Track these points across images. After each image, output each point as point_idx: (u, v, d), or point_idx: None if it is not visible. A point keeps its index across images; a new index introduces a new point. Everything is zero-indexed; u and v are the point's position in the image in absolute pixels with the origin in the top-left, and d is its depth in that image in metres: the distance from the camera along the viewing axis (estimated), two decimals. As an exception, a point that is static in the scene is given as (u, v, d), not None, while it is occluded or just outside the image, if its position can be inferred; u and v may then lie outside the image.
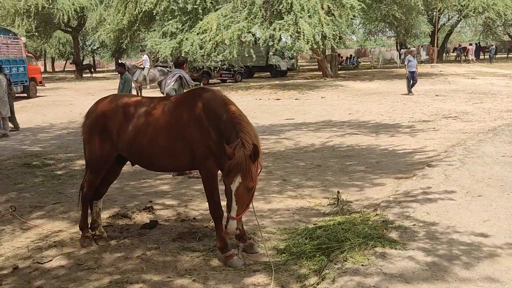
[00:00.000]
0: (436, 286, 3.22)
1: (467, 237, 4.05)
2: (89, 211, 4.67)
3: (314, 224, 4.69)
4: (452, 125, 10.96)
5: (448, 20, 44.29)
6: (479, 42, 46.15)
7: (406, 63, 18.29)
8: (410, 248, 3.81)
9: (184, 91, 7.78)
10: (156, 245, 4.43)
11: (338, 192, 5.38)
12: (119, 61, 15.72)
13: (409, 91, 18.00)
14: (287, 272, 3.76)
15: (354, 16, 22.11)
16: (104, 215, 5.27)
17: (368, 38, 51.84)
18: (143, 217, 5.35)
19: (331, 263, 3.65)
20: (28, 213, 5.62)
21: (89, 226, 4.63)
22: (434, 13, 37.93)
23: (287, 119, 13.24)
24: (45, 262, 4.11)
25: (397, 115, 13.15)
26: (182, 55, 19.83)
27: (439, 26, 39.93)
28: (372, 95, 18.51)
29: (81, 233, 4.59)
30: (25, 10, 30.16)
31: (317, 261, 3.76)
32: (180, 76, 7.81)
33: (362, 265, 3.53)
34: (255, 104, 17.10)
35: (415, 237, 4.06)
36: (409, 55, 18.46)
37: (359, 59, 45.69)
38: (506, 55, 46.44)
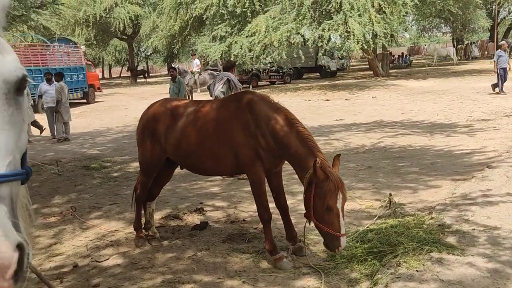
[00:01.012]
0: (499, 295, 3.03)
1: (533, 243, 3.78)
2: (142, 212, 4.83)
3: (365, 227, 4.57)
4: (514, 124, 10.32)
5: (509, 13, 41.79)
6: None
7: (495, 59, 16.44)
8: (470, 254, 3.61)
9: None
10: (207, 246, 4.50)
11: (390, 194, 5.20)
12: (172, 65, 16.07)
13: (501, 90, 16.01)
14: (338, 275, 3.68)
15: (406, 12, 21.42)
16: (157, 216, 5.42)
17: (422, 35, 49.91)
18: (194, 219, 5.45)
19: (383, 267, 3.53)
20: (87, 213, 5.91)
21: (143, 226, 4.78)
22: (494, 7, 35.89)
23: (337, 120, 13.04)
24: (102, 261, 4.29)
25: (454, 114, 12.56)
26: (231, 58, 20.08)
27: (498, 20, 37.73)
28: (426, 94, 17.81)
29: (135, 233, 4.76)
30: (84, 20, 31.89)
31: (369, 265, 3.66)
32: (228, 79, 7.92)
33: (417, 270, 3.38)
34: (304, 105, 16.99)
35: (474, 242, 3.84)
36: (499, 50, 16.54)
37: (411, 57, 44.13)
38: None
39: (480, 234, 4.02)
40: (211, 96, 8.30)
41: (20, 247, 0.98)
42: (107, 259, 4.33)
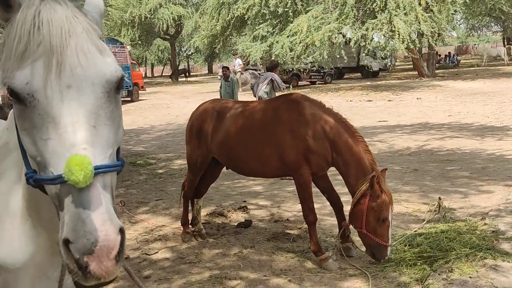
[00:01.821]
0: (560, 306, 2.89)
1: None
2: (189, 208, 4.94)
3: (413, 231, 4.47)
4: None
5: None
6: None
7: None
8: (527, 263, 3.47)
9: (276, 94, 7.91)
10: (252, 244, 4.55)
11: (440, 198, 5.05)
12: (223, 65, 16.18)
13: None
14: (386, 279, 3.63)
15: (455, 11, 20.72)
16: (202, 213, 5.52)
17: (471, 34, 48.02)
18: (238, 216, 5.52)
19: (434, 272, 3.45)
20: (135, 208, 6.10)
21: (190, 222, 4.89)
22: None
23: (379, 121, 12.79)
24: (152, 254, 4.43)
25: (506, 117, 12.02)
26: (273, 58, 20.11)
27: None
28: (476, 95, 17.15)
29: (182, 228, 4.87)
30: (130, 21, 32.88)
31: (419, 269, 3.58)
32: (271, 79, 7.95)
33: (470, 277, 3.28)
34: (345, 105, 16.77)
35: (532, 251, 3.68)
36: None
37: (459, 57, 42.52)
38: None
39: (537, 242, 3.85)
40: (254, 96, 8.36)
41: (121, 231, 1.06)
42: (156, 253, 4.46)
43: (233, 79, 11.68)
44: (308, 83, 28.33)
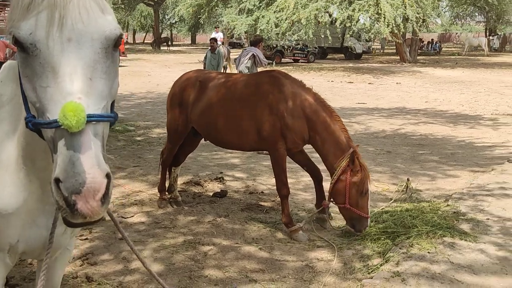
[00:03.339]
0: (505, 280, 3.14)
1: (546, 237, 3.86)
2: (167, 176, 5.03)
3: (380, 209, 4.69)
4: (541, 121, 10.17)
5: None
6: None
7: None
8: (481, 241, 3.72)
9: (258, 69, 7.95)
10: (226, 213, 4.69)
11: (408, 180, 5.28)
12: (212, 36, 15.87)
13: None
14: (350, 250, 3.84)
15: (440, -2, 20.86)
16: (179, 181, 5.61)
17: (455, 23, 48.46)
18: (214, 186, 5.65)
19: (396, 247, 3.67)
20: (112, 173, 6.11)
21: (167, 189, 4.99)
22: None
23: (359, 103, 13.00)
24: (127, 217, 4.53)
25: (479, 106, 12.40)
26: (257, 32, 19.97)
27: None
28: (453, 83, 17.53)
29: (159, 195, 4.97)
30: (113, -16, 31.87)
31: (382, 243, 3.80)
32: (254, 54, 7.96)
33: (429, 252, 3.51)
34: (326, 86, 16.90)
35: (487, 231, 3.94)
36: None
37: (442, 45, 42.98)
38: None
39: (493, 224, 4.11)
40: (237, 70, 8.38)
41: (107, 176, 1.17)
42: (132, 216, 4.56)
43: (220, 52, 11.59)
44: (291, 60, 28.28)
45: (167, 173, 5.02)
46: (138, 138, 8.42)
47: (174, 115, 4.70)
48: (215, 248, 3.90)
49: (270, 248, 3.94)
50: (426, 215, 4.16)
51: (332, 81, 18.74)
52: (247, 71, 7.76)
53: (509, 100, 13.33)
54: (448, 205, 4.57)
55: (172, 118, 4.75)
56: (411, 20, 19.62)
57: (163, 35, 49.99)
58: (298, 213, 4.76)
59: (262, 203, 5.07)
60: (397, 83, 17.93)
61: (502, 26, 43.47)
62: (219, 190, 5.43)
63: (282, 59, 27.31)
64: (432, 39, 42.91)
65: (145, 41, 58.60)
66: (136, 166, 6.53)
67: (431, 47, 38.85)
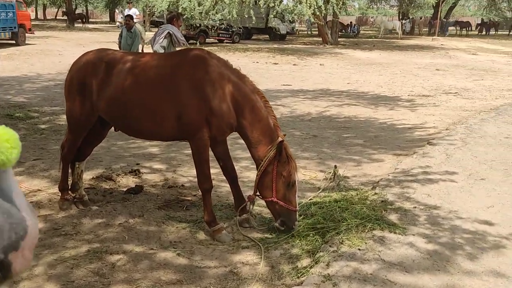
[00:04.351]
0: (438, 277, 3.00)
1: (471, 224, 3.84)
2: (70, 172, 4.36)
3: (308, 200, 4.44)
4: (452, 102, 10.69)
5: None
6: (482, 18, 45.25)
7: None
8: (411, 234, 3.59)
9: (176, 49, 7.31)
10: (140, 213, 4.17)
11: (336, 167, 5.10)
12: (127, 13, 14.44)
13: None
14: (278, 250, 3.53)
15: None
16: (87, 176, 4.97)
17: (371, 6, 50.44)
18: (129, 181, 5.06)
19: (325, 244, 3.41)
20: (6, 169, 5.29)
21: (69, 188, 4.33)
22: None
23: (284, 84, 12.84)
24: (19, 225, 3.83)
25: (397, 87, 12.81)
26: (180, 11, 19.02)
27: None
28: (372, 65, 18.06)
29: (60, 194, 4.30)
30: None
31: (311, 241, 3.53)
32: (169, 32, 7.28)
33: (359, 249, 3.30)
34: (252, 67, 16.57)
35: (415, 221, 3.83)
36: None
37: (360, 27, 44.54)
38: (508, 32, 45.61)
39: (420, 213, 4.02)
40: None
41: None
42: (25, 224, 3.86)
43: (137, 30, 10.62)
44: (216, 41, 27.55)
45: (70, 169, 4.35)
46: (42, 126, 7.47)
47: (75, 104, 4.01)
48: (126, 257, 3.39)
49: (189, 252, 3.50)
50: (354, 206, 3.96)
51: (257, 62, 18.45)
52: (163, 51, 7.09)
53: (423, 81, 13.95)
54: (375, 193, 4.43)
55: (72, 107, 4.06)
56: (331, 2, 19.82)
57: (77, 11, 46.36)
58: (223, 208, 4.37)
59: (183, 198, 4.61)
60: (320, 64, 18.10)
61: (414, 10, 45.91)
62: (133, 185, 4.86)
63: (207, 39, 26.49)
64: (351, 22, 44.30)
65: (57, 17, 54.10)
66: (37, 159, 5.72)
67: (350, 30, 40.08)
